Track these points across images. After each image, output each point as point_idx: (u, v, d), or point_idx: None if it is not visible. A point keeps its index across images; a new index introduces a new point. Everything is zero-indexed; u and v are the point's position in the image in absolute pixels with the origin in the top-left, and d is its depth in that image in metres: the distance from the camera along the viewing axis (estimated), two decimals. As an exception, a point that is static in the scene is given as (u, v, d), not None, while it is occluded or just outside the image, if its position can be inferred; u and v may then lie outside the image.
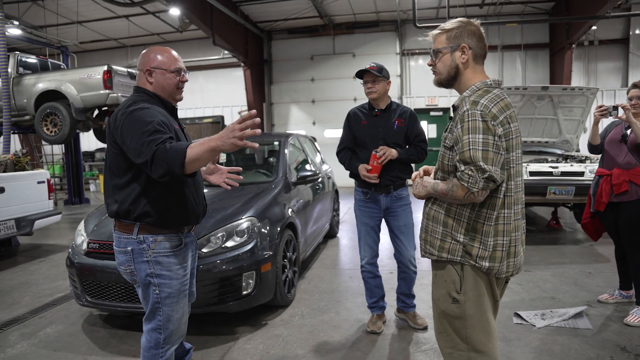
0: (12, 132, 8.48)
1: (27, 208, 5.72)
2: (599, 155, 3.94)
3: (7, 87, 8.23)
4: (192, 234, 2.29)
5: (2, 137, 8.14)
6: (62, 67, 10.41)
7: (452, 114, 1.94)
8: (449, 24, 1.91)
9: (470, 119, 1.74)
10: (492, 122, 1.73)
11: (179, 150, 1.81)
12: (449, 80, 1.93)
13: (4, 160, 6.12)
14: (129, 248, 2.07)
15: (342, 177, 7.04)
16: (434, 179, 1.97)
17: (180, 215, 2.12)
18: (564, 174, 5.88)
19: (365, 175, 3.19)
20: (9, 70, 8.54)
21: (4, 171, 6.04)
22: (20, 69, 9.10)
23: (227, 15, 11.24)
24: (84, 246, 3.48)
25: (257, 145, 1.86)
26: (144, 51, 2.18)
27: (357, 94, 13.73)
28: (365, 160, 3.25)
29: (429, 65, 2.00)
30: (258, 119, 1.77)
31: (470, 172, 1.70)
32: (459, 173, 1.74)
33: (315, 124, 14.40)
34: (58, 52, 11.99)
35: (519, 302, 3.91)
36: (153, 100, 2.11)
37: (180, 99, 2.24)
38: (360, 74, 3.29)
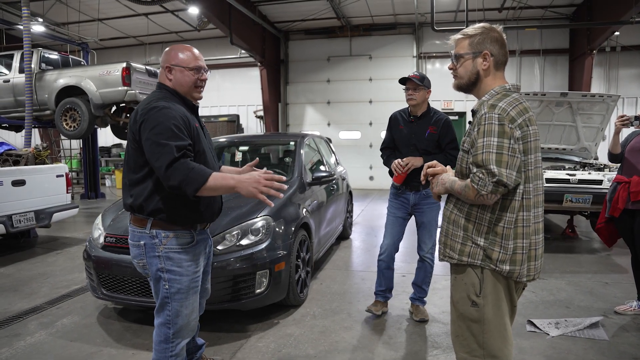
0: (33, 126, 8.65)
1: (46, 201, 5.84)
2: (618, 164, 3.92)
3: (30, 82, 8.40)
4: (206, 231, 2.31)
5: (24, 130, 8.31)
6: (82, 63, 10.59)
7: (471, 119, 1.95)
8: (472, 30, 1.92)
9: (486, 122, 1.75)
10: (510, 125, 1.74)
11: (202, 175, 1.90)
12: (469, 85, 1.95)
13: (25, 154, 6.24)
14: (142, 242, 2.11)
15: (356, 179, 7.07)
16: None
17: (193, 213, 2.15)
18: (581, 181, 5.80)
19: (395, 168, 3.43)
20: (32, 66, 8.71)
21: (25, 164, 6.17)
22: (43, 65, 9.29)
23: (245, 14, 11.32)
24: (101, 240, 3.54)
25: (272, 204, 2.04)
26: (167, 49, 2.22)
27: (372, 96, 13.72)
28: None
29: (450, 69, 2.01)
30: (285, 186, 1.95)
31: (480, 175, 1.73)
32: (471, 175, 1.77)
33: (330, 125, 14.40)
34: (79, 49, 12.20)
35: (532, 310, 3.87)
36: (173, 97, 2.14)
37: (200, 98, 2.27)
38: (403, 81, 3.49)
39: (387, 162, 3.62)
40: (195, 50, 2.21)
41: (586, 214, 6.71)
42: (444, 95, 13.48)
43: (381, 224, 3.77)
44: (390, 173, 3.58)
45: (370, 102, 13.77)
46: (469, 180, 1.80)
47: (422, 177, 2.10)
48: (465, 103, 13.43)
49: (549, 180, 5.80)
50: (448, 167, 2.10)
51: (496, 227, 1.82)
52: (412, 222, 3.71)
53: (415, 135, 3.50)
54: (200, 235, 2.22)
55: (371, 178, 13.95)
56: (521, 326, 3.51)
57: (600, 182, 5.81)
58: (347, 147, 13.74)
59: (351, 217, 7.07)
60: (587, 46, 11.58)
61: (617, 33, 11.51)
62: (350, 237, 6.87)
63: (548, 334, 3.38)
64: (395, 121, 3.65)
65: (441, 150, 3.51)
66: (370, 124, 13.92)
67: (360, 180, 13.58)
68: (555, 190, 5.70)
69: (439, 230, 2.14)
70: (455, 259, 1.92)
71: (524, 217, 1.82)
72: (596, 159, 7.24)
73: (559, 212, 6.68)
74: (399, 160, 3.42)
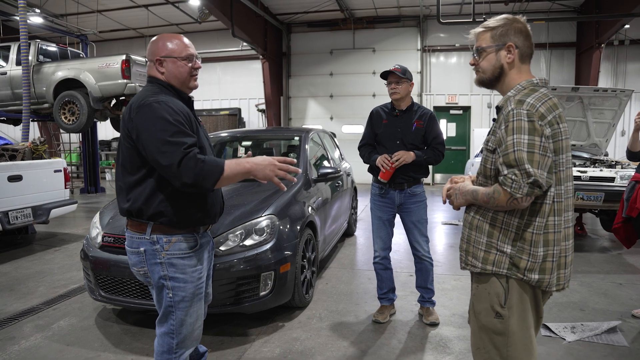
0: (31, 120, 8.49)
1: (44, 197, 5.70)
2: (637, 162, 3.78)
3: (28, 75, 8.23)
4: (208, 233, 2.16)
5: (21, 124, 8.15)
6: (81, 55, 10.41)
7: (495, 116, 1.82)
8: (494, 21, 1.79)
9: (515, 118, 1.62)
10: (540, 122, 1.61)
11: (216, 166, 1.80)
12: (492, 80, 1.82)
13: (22, 149, 6.09)
14: (142, 249, 1.95)
15: (360, 174, 6.93)
16: (475, 184, 1.85)
17: (197, 214, 1.99)
18: (593, 179, 5.65)
19: (381, 164, 3.28)
20: (30, 58, 8.54)
21: (22, 159, 6.02)
22: (41, 57, 9.11)
23: (247, 6, 11.12)
24: (99, 239, 3.39)
25: (285, 189, 1.97)
26: (152, 39, 2.04)
27: (376, 90, 13.51)
28: None
29: (472, 64, 1.88)
30: (299, 170, 1.89)
31: (513, 177, 1.59)
32: (502, 177, 1.62)
33: (332, 119, 14.23)
34: (78, 41, 12.00)
35: (545, 312, 3.63)
36: (168, 91, 1.97)
37: (195, 87, 2.09)
38: (384, 75, 3.39)
39: (368, 159, 3.48)
40: (184, 38, 2.04)
41: (596, 211, 6.56)
42: (448, 89, 13.32)
43: None
44: (372, 170, 3.49)
45: (374, 95, 13.58)
46: (497, 185, 1.66)
47: (444, 193, 1.94)
48: (469, 97, 13.25)
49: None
50: (466, 176, 1.96)
51: (524, 233, 1.70)
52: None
53: (402, 130, 3.38)
54: (203, 238, 2.07)
55: (374, 173, 13.78)
56: (536, 330, 3.37)
57: (612, 179, 5.66)
58: (350, 141, 13.50)
59: (356, 213, 6.92)
60: (595, 40, 11.37)
61: (627, 26, 11.30)
62: (355, 233, 6.74)
63: (564, 339, 3.25)
64: (377, 116, 3.51)
65: (427, 144, 3.43)
66: (374, 118, 13.71)
67: (363, 175, 13.25)
68: (566, 187, 5.54)
69: (459, 237, 1.98)
70: (479, 267, 1.79)
71: (555, 222, 1.70)
72: (606, 155, 7.08)
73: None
74: (386, 155, 3.29)
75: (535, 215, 1.68)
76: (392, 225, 3.55)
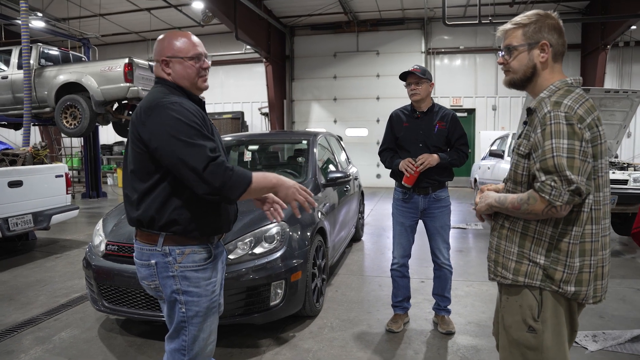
0: (32, 124, 8.40)
1: (45, 202, 5.58)
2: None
3: (29, 79, 8.14)
4: (221, 243, 2.02)
5: (22, 129, 8.05)
6: (83, 59, 10.34)
7: (526, 118, 1.72)
8: (525, 18, 1.68)
9: (553, 121, 1.51)
10: (579, 125, 1.50)
11: (245, 177, 1.72)
12: (523, 81, 1.71)
13: (22, 153, 5.98)
14: (153, 261, 1.81)
15: (363, 177, 6.84)
16: (503, 190, 1.75)
17: (212, 223, 1.85)
18: (606, 181, 5.52)
19: (406, 168, 3.16)
20: (31, 61, 8.45)
21: (22, 164, 5.91)
22: (42, 61, 9.04)
23: (250, 9, 11.05)
24: (102, 247, 3.27)
25: (299, 215, 2.23)
26: (159, 37, 1.90)
27: (380, 93, 13.43)
28: None
29: (500, 63, 1.77)
30: (316, 204, 1.87)
31: (553, 184, 1.48)
32: (539, 184, 1.51)
33: (336, 122, 14.13)
34: (80, 45, 11.93)
35: None
36: (178, 93, 1.84)
37: (205, 88, 1.95)
38: (403, 76, 3.27)
39: (390, 164, 3.35)
40: (193, 36, 1.89)
41: (609, 215, 6.43)
42: (453, 92, 13.21)
43: (391, 224, 3.52)
44: (394, 175, 3.36)
45: (378, 98, 13.48)
46: (531, 191, 1.55)
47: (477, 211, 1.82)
48: (474, 100, 13.16)
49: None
50: (493, 185, 1.84)
51: (560, 243, 1.59)
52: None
53: (424, 132, 3.26)
54: (217, 248, 1.93)
55: (378, 176, 13.67)
56: (558, 341, 3.23)
57: (625, 181, 5.54)
58: (354, 144, 13.47)
59: (363, 218, 6.80)
60: (600, 41, 11.28)
61: (633, 27, 11.19)
62: (362, 238, 6.61)
63: (587, 349, 3.11)
64: (397, 119, 3.38)
65: (450, 146, 3.32)
66: (378, 121, 13.62)
67: (367, 178, 13.30)
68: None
69: (487, 247, 1.86)
70: (510, 279, 1.68)
71: (592, 230, 1.60)
72: (616, 157, 6.96)
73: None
74: (410, 159, 3.16)
75: (571, 224, 1.58)
76: (413, 232, 3.41)
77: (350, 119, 13.98)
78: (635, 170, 5.80)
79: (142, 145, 1.74)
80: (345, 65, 13.93)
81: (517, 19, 1.70)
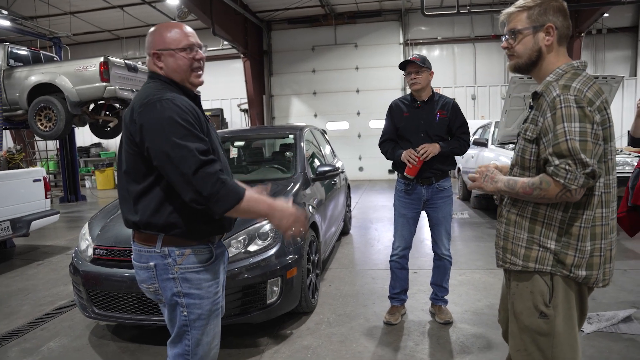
0: (3, 127, 8.09)
1: (23, 208, 5.37)
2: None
3: (-2, 80, 7.85)
4: (222, 242, 1.95)
5: (-6, 132, 7.76)
6: (55, 59, 10.00)
7: (532, 103, 1.69)
8: (530, 1, 1.65)
9: (563, 105, 1.50)
10: (589, 108, 1.49)
11: (235, 193, 1.60)
12: (528, 65, 1.69)
13: (-3, 158, 5.75)
14: (152, 263, 1.73)
15: (348, 171, 6.81)
16: (510, 175, 1.73)
17: (212, 223, 1.77)
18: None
19: (408, 158, 3.11)
20: None
21: (-3, 169, 5.68)
22: (11, 61, 8.71)
23: (226, 4, 10.88)
24: (90, 252, 3.15)
25: (290, 238, 1.92)
26: (150, 30, 1.80)
27: (359, 85, 13.40)
28: None
29: (504, 47, 1.74)
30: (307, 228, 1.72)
31: (567, 167, 1.47)
32: (552, 168, 1.50)
33: (317, 117, 14.06)
34: (50, 44, 11.53)
35: None
36: (171, 88, 1.75)
37: (200, 83, 1.84)
38: (403, 65, 3.23)
39: (392, 155, 3.30)
40: (186, 26, 1.79)
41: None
42: (432, 82, 13.03)
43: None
44: (396, 166, 3.31)
45: (358, 91, 13.47)
46: (544, 175, 1.54)
47: (479, 169, 1.77)
48: (454, 90, 13.25)
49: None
50: (494, 163, 1.82)
51: (571, 228, 1.59)
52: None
53: (425, 121, 3.21)
54: (218, 248, 1.86)
55: (361, 169, 13.69)
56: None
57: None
58: (336, 138, 13.40)
59: (350, 211, 6.77)
60: (575, 29, 11.46)
61: (606, 15, 11.42)
62: (350, 232, 6.58)
63: (583, 331, 3.15)
64: (397, 109, 3.32)
65: (452, 135, 3.28)
66: (358, 113, 13.62)
67: (350, 171, 13.22)
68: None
69: (497, 233, 1.83)
70: (520, 265, 1.67)
71: (603, 214, 1.60)
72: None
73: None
74: (412, 150, 3.12)
75: (582, 208, 1.58)
76: (415, 223, 3.37)
77: (330, 112, 13.93)
78: (617, 154, 5.92)
79: (134, 146, 1.66)
80: (324, 59, 13.86)
81: (521, 1, 1.67)
